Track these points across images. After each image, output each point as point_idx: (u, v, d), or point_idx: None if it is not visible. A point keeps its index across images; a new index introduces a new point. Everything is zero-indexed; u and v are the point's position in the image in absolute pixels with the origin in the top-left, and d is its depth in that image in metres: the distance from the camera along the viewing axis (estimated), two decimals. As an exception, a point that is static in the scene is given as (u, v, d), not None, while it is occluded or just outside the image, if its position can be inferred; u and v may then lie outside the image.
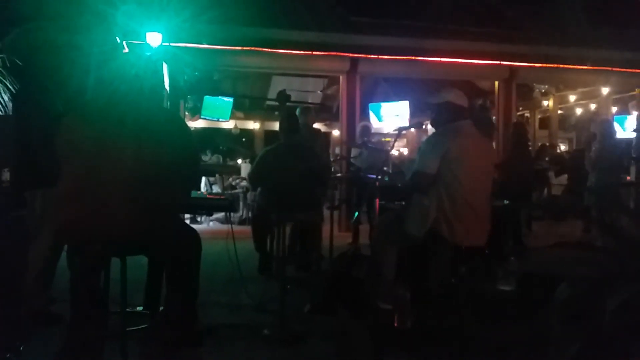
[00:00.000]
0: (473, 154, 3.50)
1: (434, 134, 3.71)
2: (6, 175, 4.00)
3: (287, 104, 4.30)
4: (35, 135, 3.62)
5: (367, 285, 3.78)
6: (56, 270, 3.53)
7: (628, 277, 2.83)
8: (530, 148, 6.64)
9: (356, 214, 6.18)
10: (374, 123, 10.97)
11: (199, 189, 3.32)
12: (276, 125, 6.19)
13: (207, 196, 4.03)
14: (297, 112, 6.06)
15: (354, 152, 6.64)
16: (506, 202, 4.46)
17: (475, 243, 3.56)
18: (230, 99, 10.80)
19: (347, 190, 6.23)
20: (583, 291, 2.92)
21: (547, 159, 10.11)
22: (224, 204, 3.34)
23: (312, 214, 4.78)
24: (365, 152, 6.23)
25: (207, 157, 10.66)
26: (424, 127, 6.06)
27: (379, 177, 4.03)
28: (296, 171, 4.49)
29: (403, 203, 4.03)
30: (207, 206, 3.29)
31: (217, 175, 9.92)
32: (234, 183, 10.15)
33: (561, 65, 9.13)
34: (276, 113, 13.13)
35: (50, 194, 3.27)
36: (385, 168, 5.73)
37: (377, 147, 7.33)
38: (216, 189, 9.72)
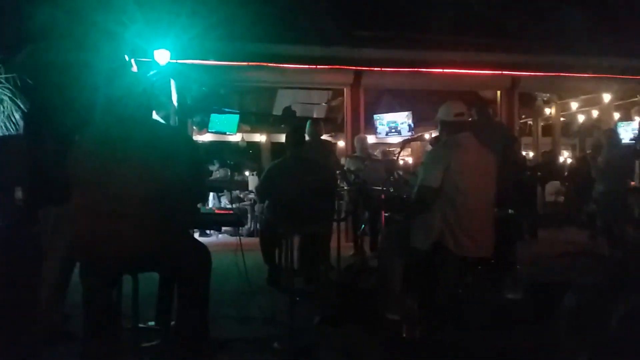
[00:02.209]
0: (474, 165, 3.56)
1: (436, 147, 3.78)
2: (19, 193, 4.08)
3: (293, 119, 4.42)
4: (46, 154, 3.70)
5: (375, 296, 3.82)
6: (70, 287, 3.59)
7: (634, 286, 2.88)
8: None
9: (362, 226, 6.25)
10: (382, 132, 11.05)
11: (206, 202, 3.36)
12: (282, 138, 6.27)
13: (216, 211, 4.09)
14: (308, 124, 6.17)
15: (354, 164, 6.69)
16: (511, 211, 4.50)
17: (481, 254, 3.60)
18: (237, 114, 10.88)
19: (352, 202, 6.28)
20: (589, 300, 2.96)
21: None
22: (233, 218, 3.40)
23: (319, 226, 4.83)
24: (369, 164, 6.29)
25: (214, 167, 10.75)
26: (428, 138, 6.16)
27: (384, 189, 4.09)
28: (303, 184, 4.55)
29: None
30: (216, 221, 3.35)
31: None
32: (241, 195, 10.21)
33: (562, 74, 9.21)
34: (282, 126, 13.20)
35: (62, 211, 3.35)
36: (392, 177, 5.78)
37: (378, 158, 7.37)
38: (224, 201, 9.79)
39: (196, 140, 9.42)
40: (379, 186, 4.46)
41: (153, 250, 2.55)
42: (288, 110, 4.81)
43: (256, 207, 8.94)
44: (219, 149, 13.49)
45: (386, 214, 4.24)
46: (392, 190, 4.50)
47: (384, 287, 3.78)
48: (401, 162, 12.56)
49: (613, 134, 7.46)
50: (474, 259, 3.64)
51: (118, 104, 2.78)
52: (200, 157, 3.02)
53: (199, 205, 3.33)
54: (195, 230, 7.40)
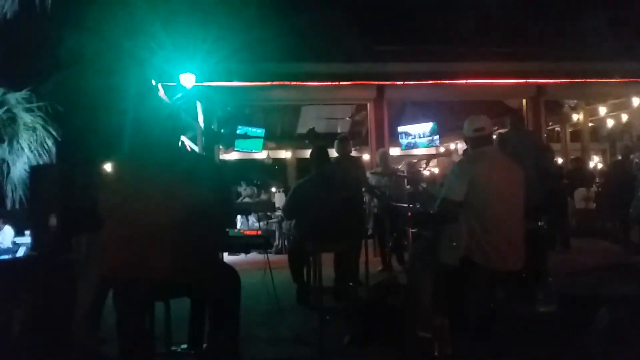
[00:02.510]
0: (499, 178, 3.53)
1: (459, 161, 3.79)
2: (53, 220, 4.20)
3: (316, 139, 4.49)
4: (78, 182, 3.80)
5: (405, 314, 3.79)
6: (105, 310, 3.65)
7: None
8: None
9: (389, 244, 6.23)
10: (406, 145, 11.03)
11: (235, 226, 3.40)
12: (307, 153, 6.30)
13: (243, 232, 4.14)
14: (336, 142, 6.21)
15: (377, 180, 6.64)
16: (541, 223, 4.44)
17: (510, 267, 3.56)
18: (262, 131, 11.01)
19: (379, 219, 6.25)
20: (624, 316, 2.91)
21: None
22: (261, 241, 3.44)
23: (346, 244, 4.83)
24: (394, 180, 6.27)
25: (242, 188, 10.93)
26: (453, 148, 6.14)
27: (411, 205, 4.08)
28: (328, 202, 4.58)
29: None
30: (244, 244, 3.38)
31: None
32: (269, 213, 10.28)
33: (589, 80, 9.09)
34: (307, 141, 13.30)
35: (95, 238, 3.43)
36: (417, 190, 5.72)
37: (402, 173, 7.29)
38: (252, 219, 9.87)
39: (224, 160, 9.54)
40: (403, 202, 4.45)
41: (184, 276, 2.60)
42: (311, 132, 4.87)
43: (284, 225, 8.99)
44: (246, 168, 13.64)
45: (413, 230, 4.22)
46: (418, 205, 4.49)
47: (414, 304, 3.75)
48: (427, 173, 12.50)
49: None
50: (504, 273, 3.59)
51: (145, 128, 2.85)
52: (227, 182, 3.06)
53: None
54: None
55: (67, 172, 4.15)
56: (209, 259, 2.82)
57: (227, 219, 3.04)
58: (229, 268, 3.02)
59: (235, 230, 3.70)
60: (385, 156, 7.18)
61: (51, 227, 4.15)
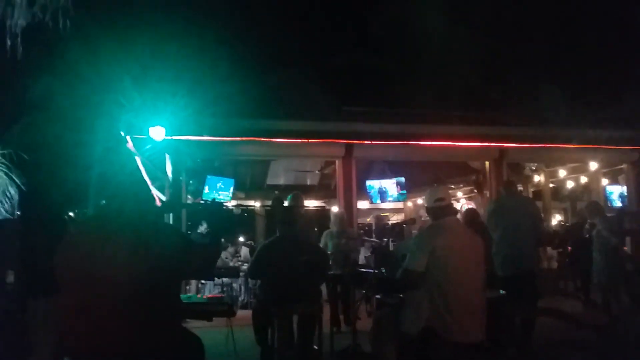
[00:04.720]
0: (460, 249, 3.59)
1: (421, 232, 3.86)
2: (11, 277, 4.09)
3: (282, 207, 4.53)
4: (39, 240, 3.73)
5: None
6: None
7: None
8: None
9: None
10: (374, 198, 11.16)
11: (213, 277, 3.31)
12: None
13: (205, 296, 4.09)
14: (289, 198, 6.28)
15: (333, 242, 6.59)
16: (502, 292, 4.51)
17: (472, 339, 3.58)
18: (231, 180, 10.99)
19: (343, 283, 6.20)
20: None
21: None
22: (224, 309, 3.40)
23: (310, 307, 4.81)
24: (350, 243, 6.28)
25: (202, 228, 10.72)
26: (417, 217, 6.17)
27: (376, 271, 4.12)
28: (294, 265, 4.58)
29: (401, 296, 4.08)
30: (206, 312, 3.33)
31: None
32: (235, 265, 10.16)
33: (548, 145, 9.44)
34: (276, 192, 13.33)
35: (52, 306, 3.34)
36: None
37: (354, 236, 7.22)
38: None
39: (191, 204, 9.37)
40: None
41: (145, 350, 2.54)
42: (277, 201, 4.92)
43: (250, 279, 8.89)
44: (210, 211, 13.39)
45: (377, 297, 4.25)
46: (383, 270, 4.53)
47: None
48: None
49: (596, 206, 7.49)
50: (465, 344, 3.62)
51: (112, 179, 2.83)
52: (196, 251, 2.96)
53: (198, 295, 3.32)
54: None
55: (29, 229, 4.07)
56: (172, 331, 2.77)
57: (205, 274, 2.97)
58: (191, 337, 2.94)
59: (199, 296, 3.66)
60: (341, 218, 7.12)
61: (8, 284, 4.05)
